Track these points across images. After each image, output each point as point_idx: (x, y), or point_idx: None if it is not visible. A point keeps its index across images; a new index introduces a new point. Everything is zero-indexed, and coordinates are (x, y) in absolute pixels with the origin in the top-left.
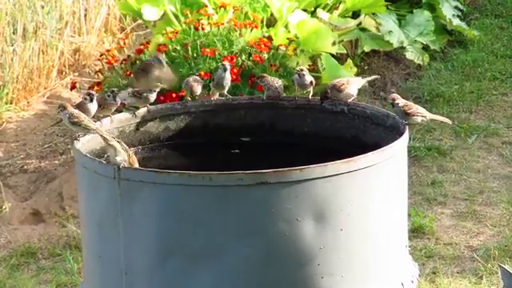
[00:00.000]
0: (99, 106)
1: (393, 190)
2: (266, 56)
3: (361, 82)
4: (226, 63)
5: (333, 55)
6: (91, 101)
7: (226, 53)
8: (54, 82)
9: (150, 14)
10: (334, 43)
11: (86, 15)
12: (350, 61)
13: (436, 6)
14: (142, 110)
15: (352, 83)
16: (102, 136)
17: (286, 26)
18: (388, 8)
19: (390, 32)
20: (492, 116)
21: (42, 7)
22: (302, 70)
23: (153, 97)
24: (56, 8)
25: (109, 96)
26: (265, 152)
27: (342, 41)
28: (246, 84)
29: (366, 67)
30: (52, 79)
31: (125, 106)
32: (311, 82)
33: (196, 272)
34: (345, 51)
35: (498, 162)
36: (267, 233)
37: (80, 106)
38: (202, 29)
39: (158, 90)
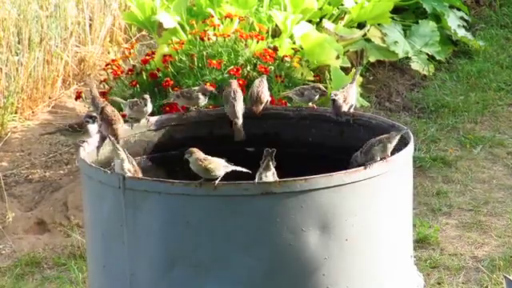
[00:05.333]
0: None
1: (398, 201)
2: (272, 68)
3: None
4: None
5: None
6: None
7: (231, 64)
8: (58, 91)
9: (168, 21)
10: (337, 57)
11: (90, 25)
12: (354, 70)
13: (441, 16)
14: (143, 122)
15: None
16: (113, 145)
17: (291, 37)
18: (393, 18)
19: (396, 42)
20: (497, 126)
21: (47, 17)
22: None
23: (150, 108)
24: (61, 18)
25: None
26: None
27: (348, 51)
28: None
29: (371, 77)
30: (57, 89)
31: (125, 117)
32: None
33: (201, 282)
34: (349, 64)
35: (503, 173)
36: (272, 243)
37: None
38: (208, 39)
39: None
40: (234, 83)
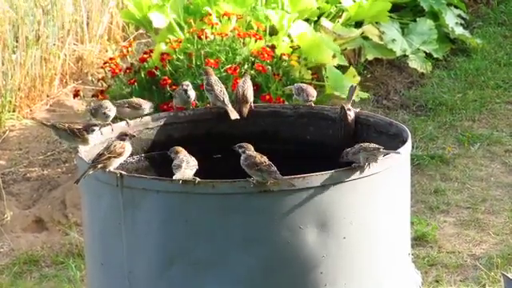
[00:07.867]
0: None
1: (396, 199)
2: (269, 68)
3: None
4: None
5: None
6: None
7: (229, 63)
8: (56, 89)
9: (158, 21)
10: (334, 56)
11: (88, 23)
12: (352, 69)
13: (439, 14)
14: (134, 121)
15: None
16: None
17: (289, 36)
18: (391, 17)
19: (393, 40)
20: (495, 124)
21: (43, 15)
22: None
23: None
24: (57, 16)
25: (104, 113)
26: None
27: (346, 49)
28: None
29: (368, 75)
30: (55, 87)
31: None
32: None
33: (200, 280)
34: (346, 63)
35: (500, 171)
36: (270, 241)
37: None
38: (206, 37)
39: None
40: (209, 71)
